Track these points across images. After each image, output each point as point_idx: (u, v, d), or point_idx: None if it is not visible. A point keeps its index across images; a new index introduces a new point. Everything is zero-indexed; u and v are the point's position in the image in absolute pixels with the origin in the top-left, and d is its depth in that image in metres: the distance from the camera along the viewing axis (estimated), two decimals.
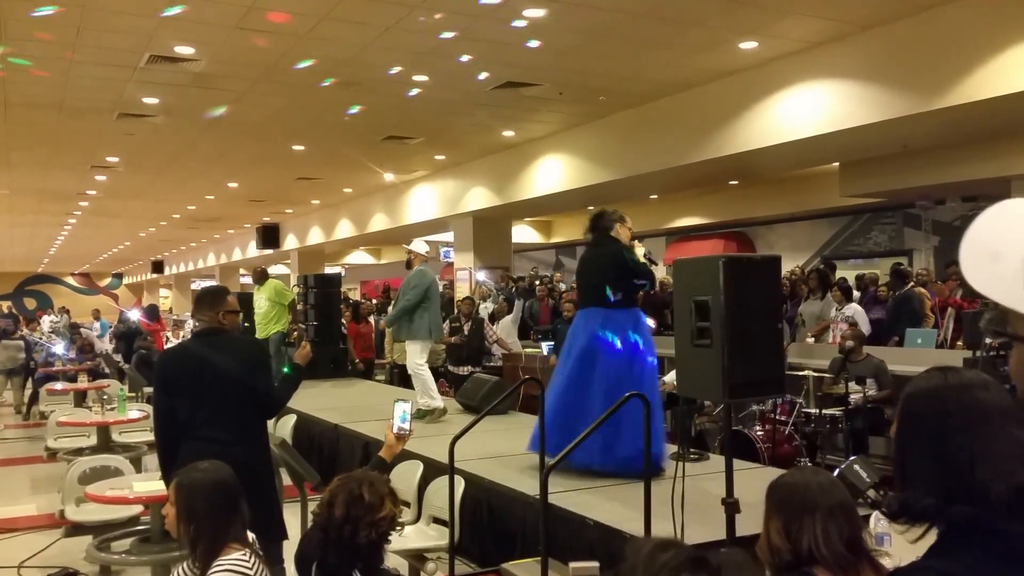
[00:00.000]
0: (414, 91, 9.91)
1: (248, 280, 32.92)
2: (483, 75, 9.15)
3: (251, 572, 2.74)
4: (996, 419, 1.33)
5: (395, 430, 3.63)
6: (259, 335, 10.94)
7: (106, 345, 17.20)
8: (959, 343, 8.80)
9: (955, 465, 1.31)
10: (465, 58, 8.69)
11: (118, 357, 15.33)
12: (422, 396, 8.13)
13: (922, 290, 9.96)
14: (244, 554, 2.78)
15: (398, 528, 2.90)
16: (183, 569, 2.96)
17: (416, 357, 8.14)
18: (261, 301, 11.28)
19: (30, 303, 40.18)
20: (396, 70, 9.06)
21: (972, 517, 1.27)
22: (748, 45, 8.44)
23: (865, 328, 9.21)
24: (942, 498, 1.29)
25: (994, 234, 1.33)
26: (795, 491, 2.35)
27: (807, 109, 8.69)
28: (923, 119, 7.93)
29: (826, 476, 2.49)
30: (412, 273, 8.31)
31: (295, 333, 12.17)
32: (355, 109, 10.76)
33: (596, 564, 3.11)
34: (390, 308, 8.15)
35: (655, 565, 1.26)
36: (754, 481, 4.45)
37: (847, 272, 13.78)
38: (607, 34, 8.03)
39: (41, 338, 15.70)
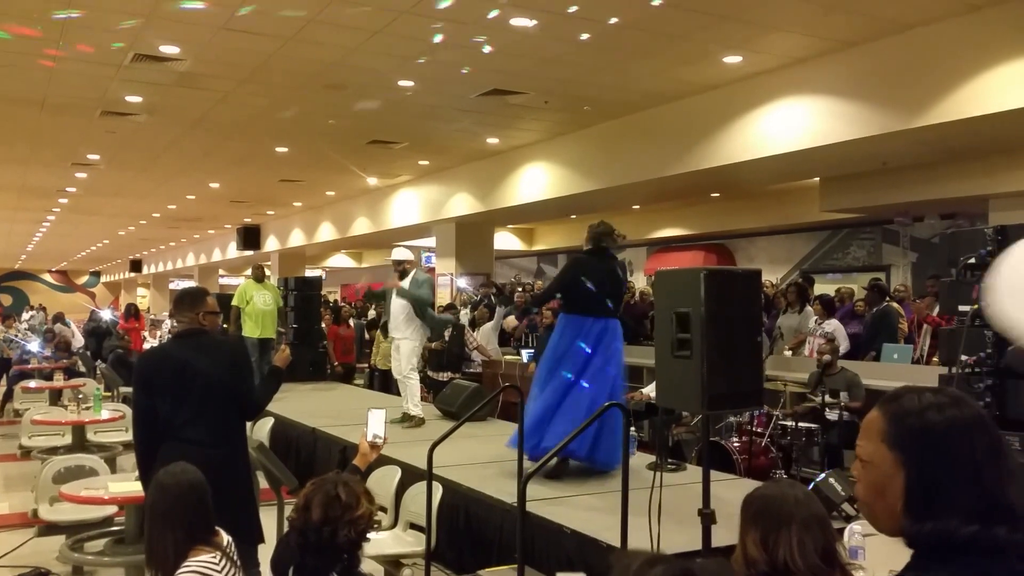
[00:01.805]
0: (400, 95, 9.91)
1: (227, 281, 32.78)
2: (465, 70, 9.07)
3: (219, 574, 2.74)
4: (1003, 440, 1.36)
5: (369, 438, 3.63)
6: (264, 335, 10.89)
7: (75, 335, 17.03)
8: (935, 359, 8.87)
9: (990, 490, 1.31)
10: (453, 64, 8.71)
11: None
12: (405, 402, 8.13)
13: (896, 306, 10.03)
14: (213, 556, 2.77)
15: (375, 526, 2.91)
16: None
17: (410, 363, 8.16)
18: (267, 298, 11.16)
19: (6, 299, 39.75)
20: (382, 74, 9.07)
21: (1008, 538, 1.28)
22: (732, 59, 8.50)
23: (844, 345, 9.26)
24: (983, 524, 1.28)
25: None
26: (771, 503, 2.38)
27: (789, 124, 8.77)
28: (903, 137, 8.02)
29: (801, 489, 2.53)
30: (422, 274, 8.47)
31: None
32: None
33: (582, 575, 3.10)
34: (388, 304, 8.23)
35: None
36: (730, 492, 4.48)
37: (825, 286, 13.86)
38: (593, 44, 8.06)
39: (17, 335, 15.52)
